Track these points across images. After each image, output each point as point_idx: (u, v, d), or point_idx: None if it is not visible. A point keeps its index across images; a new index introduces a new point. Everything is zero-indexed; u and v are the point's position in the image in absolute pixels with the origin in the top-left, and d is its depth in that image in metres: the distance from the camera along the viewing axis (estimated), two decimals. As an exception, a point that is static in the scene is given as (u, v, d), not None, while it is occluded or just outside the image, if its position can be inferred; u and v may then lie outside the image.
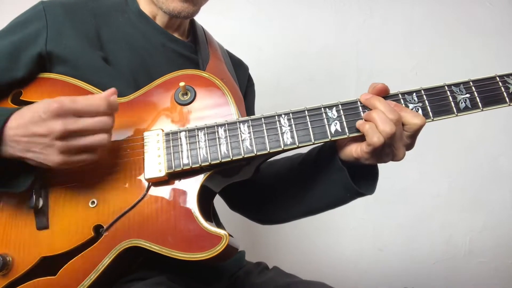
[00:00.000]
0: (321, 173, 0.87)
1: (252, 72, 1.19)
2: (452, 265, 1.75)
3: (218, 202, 1.07)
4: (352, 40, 1.82)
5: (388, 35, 1.83)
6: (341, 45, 1.82)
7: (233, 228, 0.97)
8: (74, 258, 0.74)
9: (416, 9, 1.85)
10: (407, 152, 0.78)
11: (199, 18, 1.09)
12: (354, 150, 0.79)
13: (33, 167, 0.73)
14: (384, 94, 0.79)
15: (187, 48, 1.00)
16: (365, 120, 0.76)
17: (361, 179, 0.84)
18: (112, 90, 0.74)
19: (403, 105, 0.77)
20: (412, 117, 0.74)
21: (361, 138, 0.78)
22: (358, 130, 0.77)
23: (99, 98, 0.71)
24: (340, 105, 0.78)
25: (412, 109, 0.77)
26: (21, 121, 0.69)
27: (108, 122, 0.71)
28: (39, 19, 0.87)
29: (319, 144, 0.87)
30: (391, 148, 0.76)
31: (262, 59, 1.75)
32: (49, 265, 0.74)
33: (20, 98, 0.85)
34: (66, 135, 0.68)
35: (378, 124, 0.73)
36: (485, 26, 1.85)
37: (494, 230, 1.77)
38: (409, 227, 1.76)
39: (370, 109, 0.77)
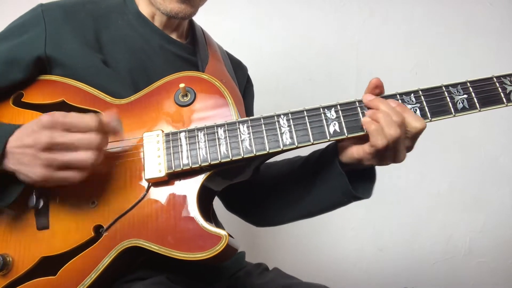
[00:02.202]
0: (320, 178, 0.87)
1: (252, 72, 1.19)
2: (452, 265, 1.75)
3: (219, 203, 1.07)
4: (352, 40, 1.82)
5: (388, 35, 1.83)
6: (341, 45, 1.82)
7: (234, 228, 0.97)
8: (74, 258, 0.74)
9: (416, 9, 1.85)
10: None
11: (198, 18, 1.10)
12: (356, 151, 0.79)
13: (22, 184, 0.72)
14: (380, 89, 0.79)
15: (185, 50, 1.00)
16: (371, 119, 0.75)
17: (358, 182, 0.84)
18: (111, 112, 0.73)
19: (401, 105, 0.78)
20: (413, 120, 0.74)
21: (361, 139, 0.78)
22: (356, 131, 0.77)
23: (90, 115, 0.70)
24: (339, 106, 0.79)
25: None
26: (19, 134, 0.70)
27: (95, 139, 0.69)
28: (38, 23, 0.87)
29: (321, 147, 0.88)
30: (394, 150, 0.76)
31: (262, 59, 1.75)
32: (49, 265, 0.74)
33: (22, 100, 0.85)
34: (51, 147, 0.67)
35: (384, 126, 0.73)
36: (485, 26, 1.85)
37: (494, 230, 1.77)
38: (409, 227, 1.76)
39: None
